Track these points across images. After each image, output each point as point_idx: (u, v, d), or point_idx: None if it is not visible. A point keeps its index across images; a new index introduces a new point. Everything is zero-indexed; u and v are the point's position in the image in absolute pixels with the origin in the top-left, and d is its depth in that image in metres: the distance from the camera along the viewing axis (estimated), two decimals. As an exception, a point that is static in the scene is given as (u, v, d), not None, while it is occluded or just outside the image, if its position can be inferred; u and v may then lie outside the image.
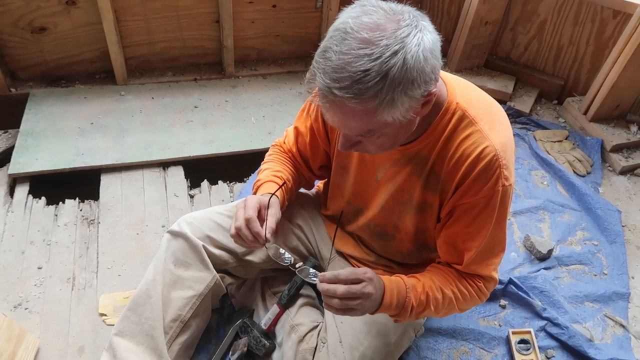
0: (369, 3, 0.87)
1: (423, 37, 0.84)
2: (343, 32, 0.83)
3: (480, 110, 1.03)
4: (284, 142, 1.37)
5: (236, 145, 2.11)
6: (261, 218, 1.13)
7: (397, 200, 1.20)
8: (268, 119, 2.27)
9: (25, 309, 1.50)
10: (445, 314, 1.20)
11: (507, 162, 1.03)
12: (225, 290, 1.40)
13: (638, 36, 2.01)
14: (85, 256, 1.66)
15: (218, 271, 1.34)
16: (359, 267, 1.39)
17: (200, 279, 1.29)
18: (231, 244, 1.34)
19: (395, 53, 0.81)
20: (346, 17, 0.85)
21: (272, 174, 1.30)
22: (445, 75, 1.06)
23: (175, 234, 1.31)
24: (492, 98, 1.12)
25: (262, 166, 1.35)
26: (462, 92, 1.04)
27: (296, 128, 1.32)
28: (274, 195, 1.19)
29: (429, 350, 1.53)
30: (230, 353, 1.44)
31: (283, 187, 1.28)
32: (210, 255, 1.31)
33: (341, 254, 1.45)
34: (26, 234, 1.70)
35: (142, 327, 1.24)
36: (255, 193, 1.28)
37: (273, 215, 1.15)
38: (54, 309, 1.51)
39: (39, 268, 1.61)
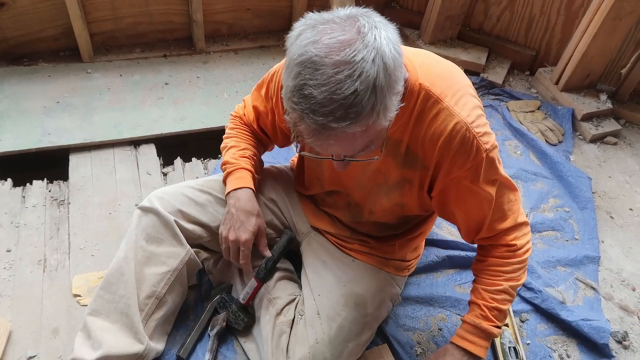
0: (316, 21, 0.83)
1: (387, 33, 0.82)
2: (311, 63, 0.79)
3: (443, 85, 1.03)
4: (244, 115, 1.35)
5: (209, 122, 2.07)
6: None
7: (374, 181, 1.20)
8: (241, 95, 2.23)
9: (-5, 292, 1.46)
10: (521, 285, 1.24)
11: (480, 128, 1.04)
12: (202, 265, 1.38)
13: (607, 5, 2.03)
14: (56, 237, 1.62)
15: (192, 246, 1.33)
16: (335, 242, 1.40)
17: (173, 254, 1.28)
18: (204, 217, 1.32)
19: (374, 62, 0.79)
20: (304, 46, 0.80)
21: (239, 154, 1.31)
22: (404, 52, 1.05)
23: (146, 210, 1.28)
24: (450, 64, 1.12)
25: (226, 141, 1.35)
26: (423, 69, 1.03)
27: (255, 107, 1.30)
28: (263, 223, 1.31)
29: (407, 318, 1.55)
30: (209, 328, 1.43)
31: (253, 168, 1.31)
32: (183, 229, 1.29)
33: (317, 229, 1.45)
34: (-7, 217, 1.65)
35: (116, 305, 1.22)
36: (225, 177, 1.30)
37: (264, 247, 1.33)
38: (26, 292, 1.47)
39: (8, 251, 1.56)
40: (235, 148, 1.32)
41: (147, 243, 1.27)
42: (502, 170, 1.14)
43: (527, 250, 1.20)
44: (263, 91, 1.26)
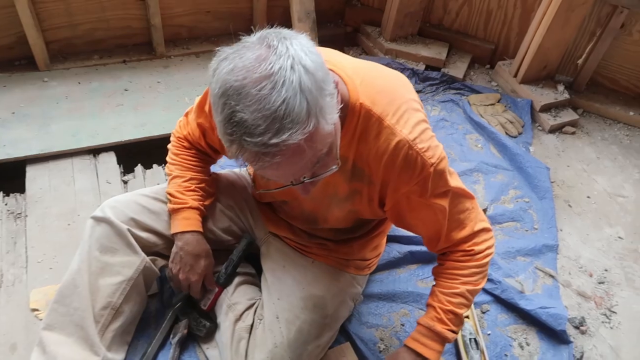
0: (227, 53, 0.82)
1: (297, 41, 0.82)
2: (233, 90, 0.78)
3: (384, 102, 1.03)
4: (189, 134, 1.33)
5: (170, 127, 2.01)
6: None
7: (325, 193, 1.20)
8: (202, 99, 2.21)
9: (-50, 311, 1.44)
10: (479, 292, 1.23)
11: (424, 143, 1.04)
12: (159, 272, 1.37)
13: (559, -3, 2.07)
14: (13, 251, 1.60)
15: (148, 254, 1.32)
16: (294, 245, 1.41)
17: (128, 264, 1.27)
18: (158, 225, 1.32)
19: (292, 67, 0.78)
20: (223, 79, 0.79)
21: (185, 186, 1.31)
22: (341, 69, 1.03)
23: (99, 220, 1.27)
24: (393, 76, 1.12)
25: (171, 169, 1.35)
26: (364, 87, 1.02)
27: (200, 124, 1.28)
28: (210, 262, 1.36)
29: (370, 315, 1.57)
30: (171, 336, 1.42)
31: (202, 198, 1.34)
32: (137, 238, 1.29)
33: (275, 234, 1.45)
34: (-54, 234, 1.61)
35: (71, 318, 1.21)
36: (172, 213, 1.31)
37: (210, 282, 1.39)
38: (-18, 309, 1.45)
39: (-37, 267, 1.53)
40: (181, 179, 1.32)
41: (101, 253, 1.26)
42: (455, 181, 1.14)
43: (486, 256, 1.20)
44: (206, 107, 1.24)
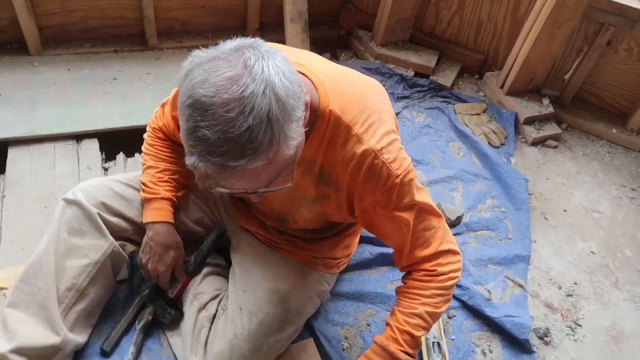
0: (202, 59, 0.81)
1: (275, 62, 0.81)
2: (200, 105, 0.77)
3: (355, 111, 1.04)
4: (164, 125, 1.33)
5: (155, 118, 2.07)
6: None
7: (294, 195, 1.21)
8: (190, 92, 2.24)
9: None
10: (440, 314, 1.19)
11: (390, 154, 1.05)
12: (128, 258, 1.39)
13: (545, 13, 2.09)
14: (-13, 230, 1.61)
15: (118, 239, 1.34)
16: (264, 240, 1.43)
17: (96, 247, 1.28)
18: (128, 211, 1.34)
19: (264, 94, 0.77)
20: (192, 87, 0.78)
21: (158, 177, 1.33)
22: (315, 74, 1.04)
23: (70, 202, 1.29)
24: (368, 85, 1.12)
25: (145, 159, 1.36)
26: (335, 94, 1.03)
27: (175, 117, 1.28)
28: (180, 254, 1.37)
29: (337, 313, 1.59)
30: (137, 322, 1.44)
31: (174, 189, 1.35)
32: (107, 222, 1.30)
33: (247, 229, 1.47)
34: None
35: (34, 297, 1.23)
36: (144, 203, 1.33)
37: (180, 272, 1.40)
38: (-49, 284, 1.46)
39: (-64, 243, 1.55)
40: (154, 169, 1.33)
41: (70, 235, 1.27)
42: (423, 196, 1.13)
43: (450, 279, 1.16)
44: None
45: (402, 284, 1.23)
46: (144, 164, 1.36)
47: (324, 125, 1.03)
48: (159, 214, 1.32)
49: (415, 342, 1.16)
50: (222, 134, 0.77)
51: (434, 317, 1.17)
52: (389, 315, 1.21)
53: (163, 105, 1.37)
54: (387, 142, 1.05)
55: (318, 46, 2.66)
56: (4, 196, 1.71)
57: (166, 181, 1.34)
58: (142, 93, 2.19)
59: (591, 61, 2.31)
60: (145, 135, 1.40)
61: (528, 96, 2.43)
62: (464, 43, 2.62)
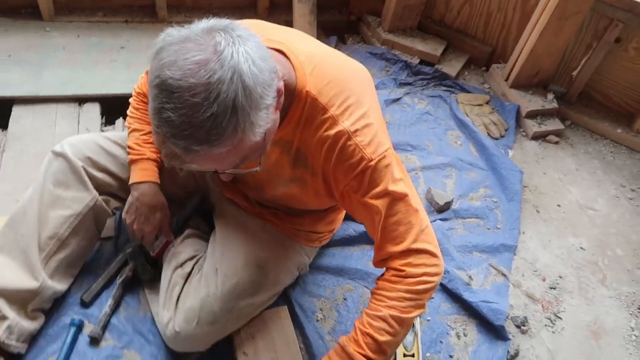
0: (173, 38, 0.80)
1: (245, 48, 0.80)
2: (167, 86, 0.77)
3: (332, 93, 1.03)
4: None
5: (157, 87, 2.11)
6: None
7: (273, 172, 1.21)
8: (194, 65, 2.27)
9: None
10: (410, 321, 1.12)
11: (364, 137, 1.03)
12: (112, 213, 1.43)
13: (552, 4, 2.07)
14: (-15, 181, 1.68)
15: (103, 194, 1.37)
16: (247, 209, 1.43)
17: (79, 199, 1.32)
18: (114, 167, 1.37)
19: (231, 81, 0.77)
20: (160, 67, 0.78)
21: (143, 139, 1.34)
22: (295, 54, 1.03)
23: (57, 154, 1.33)
24: (349, 67, 1.11)
25: (130, 122, 1.38)
26: (314, 76, 1.02)
27: None
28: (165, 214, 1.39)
29: (315, 285, 1.61)
30: (118, 277, 1.49)
31: (160, 157, 1.33)
32: (92, 177, 1.34)
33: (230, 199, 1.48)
34: None
35: (17, 243, 1.28)
36: (130, 164, 1.35)
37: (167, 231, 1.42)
38: (-54, 229, 1.53)
39: None
40: (139, 132, 1.35)
41: (54, 186, 1.31)
42: (402, 188, 1.08)
43: (421, 282, 1.09)
44: None
45: (375, 285, 1.18)
46: (129, 127, 1.39)
47: (300, 106, 1.03)
48: (144, 174, 1.35)
49: (379, 346, 1.08)
50: (186, 118, 0.77)
51: (401, 323, 1.09)
52: (368, 292, 1.17)
53: (148, 72, 1.39)
54: (362, 124, 1.04)
55: (327, 29, 2.67)
56: (4, 150, 1.77)
57: (151, 143, 1.36)
58: (146, 63, 2.21)
59: (599, 58, 2.27)
60: (131, 100, 1.42)
61: (533, 90, 2.40)
62: (473, 33, 2.60)
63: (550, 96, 2.38)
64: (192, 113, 0.77)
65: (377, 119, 1.09)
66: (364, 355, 1.09)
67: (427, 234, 1.12)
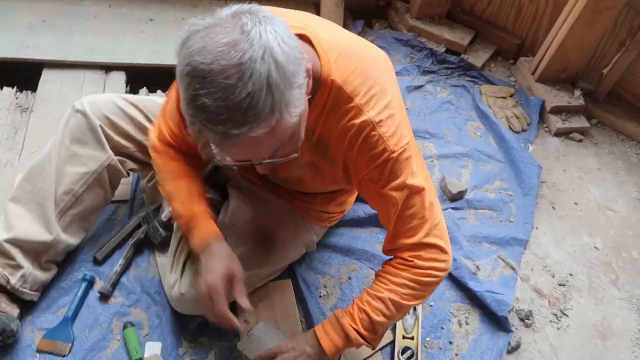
0: (199, 26, 0.79)
1: (273, 27, 0.80)
2: (199, 72, 0.76)
3: (356, 82, 1.02)
4: (171, 133, 1.23)
5: (181, 60, 2.15)
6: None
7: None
8: (220, 40, 2.30)
9: (-55, 176, 1.60)
10: (407, 309, 1.16)
11: (388, 128, 1.03)
12: (127, 174, 1.44)
13: (586, -4, 2.01)
14: (12, 139, 1.74)
15: (118, 154, 1.39)
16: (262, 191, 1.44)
17: (95, 158, 1.35)
18: (130, 129, 1.40)
19: (263, 59, 0.76)
20: (190, 55, 0.77)
21: (187, 199, 1.22)
22: (319, 42, 1.01)
23: (76, 111, 1.35)
24: (372, 55, 1.09)
25: (163, 183, 1.25)
26: (338, 64, 1.01)
27: (178, 123, 1.20)
28: (239, 268, 1.17)
29: (320, 263, 1.63)
30: (130, 239, 1.54)
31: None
32: (108, 137, 1.37)
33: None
34: (-41, 112, 1.78)
35: (34, 196, 1.32)
36: (187, 231, 1.20)
37: (242, 294, 1.14)
38: (-27, 181, 1.60)
39: (-34, 143, 1.69)
40: (183, 196, 1.22)
41: (71, 143, 1.34)
42: (420, 181, 1.08)
43: (428, 275, 1.11)
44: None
45: (381, 267, 1.21)
46: (165, 194, 1.26)
47: (325, 94, 1.02)
48: (202, 232, 1.20)
49: (372, 325, 1.13)
50: (222, 102, 0.76)
51: (399, 308, 1.13)
52: (373, 274, 1.19)
53: (163, 114, 1.27)
54: (386, 115, 1.03)
55: (355, 13, 2.66)
56: (32, 111, 1.84)
57: (200, 195, 1.25)
58: (173, 35, 2.22)
59: (631, 56, 2.20)
60: (154, 161, 1.28)
61: (560, 86, 2.35)
62: (503, 25, 2.54)
63: (577, 93, 2.33)
64: (227, 95, 0.76)
65: (399, 109, 1.08)
66: (356, 330, 1.13)
67: (440, 229, 1.13)
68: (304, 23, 1.04)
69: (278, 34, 0.80)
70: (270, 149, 0.89)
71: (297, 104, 0.84)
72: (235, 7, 0.83)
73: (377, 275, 1.19)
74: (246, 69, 0.75)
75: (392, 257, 1.19)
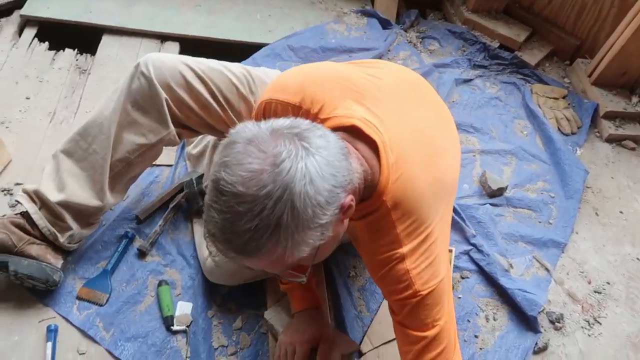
0: (240, 135, 0.78)
1: (308, 162, 0.77)
2: (219, 188, 0.76)
3: (408, 209, 0.97)
4: None
5: (234, 35, 2.20)
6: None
7: None
8: (272, 19, 2.33)
9: (7, 127, 1.70)
10: None
11: (421, 265, 0.98)
12: (180, 142, 1.40)
13: (655, -2, 1.92)
14: (69, 98, 1.83)
15: (177, 125, 1.33)
16: None
17: (155, 130, 1.30)
18: (195, 105, 1.30)
19: (280, 199, 0.74)
20: (220, 167, 0.77)
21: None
22: (387, 152, 0.95)
23: (141, 74, 1.26)
24: (438, 170, 1.03)
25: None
26: (397, 185, 0.96)
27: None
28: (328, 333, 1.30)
29: (351, 245, 1.64)
30: (171, 202, 1.59)
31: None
32: (172, 111, 1.30)
33: None
34: (23, 69, 1.88)
35: (88, 156, 1.29)
36: (288, 293, 1.35)
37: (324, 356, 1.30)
38: (31, 134, 1.69)
39: (27, 98, 1.79)
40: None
41: (133, 108, 1.27)
42: (443, 322, 1.01)
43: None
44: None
45: None
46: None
47: (373, 208, 0.98)
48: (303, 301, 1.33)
49: None
50: (227, 223, 0.76)
51: None
52: None
53: None
54: (423, 249, 0.98)
55: (409, 2, 2.63)
56: (90, 73, 1.92)
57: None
58: (227, 11, 2.31)
59: (698, 64, 2.10)
60: None
61: (616, 91, 2.26)
62: (562, 24, 2.46)
63: (635, 99, 2.23)
64: (234, 221, 0.75)
65: (441, 232, 1.03)
66: None
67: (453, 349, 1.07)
68: (385, 112, 1.00)
69: (309, 172, 0.76)
70: (272, 272, 0.91)
71: (312, 241, 0.80)
72: (289, 122, 0.81)
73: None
74: (259, 204, 0.74)
75: None
